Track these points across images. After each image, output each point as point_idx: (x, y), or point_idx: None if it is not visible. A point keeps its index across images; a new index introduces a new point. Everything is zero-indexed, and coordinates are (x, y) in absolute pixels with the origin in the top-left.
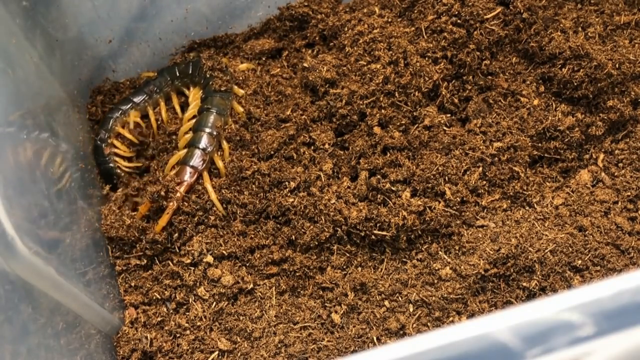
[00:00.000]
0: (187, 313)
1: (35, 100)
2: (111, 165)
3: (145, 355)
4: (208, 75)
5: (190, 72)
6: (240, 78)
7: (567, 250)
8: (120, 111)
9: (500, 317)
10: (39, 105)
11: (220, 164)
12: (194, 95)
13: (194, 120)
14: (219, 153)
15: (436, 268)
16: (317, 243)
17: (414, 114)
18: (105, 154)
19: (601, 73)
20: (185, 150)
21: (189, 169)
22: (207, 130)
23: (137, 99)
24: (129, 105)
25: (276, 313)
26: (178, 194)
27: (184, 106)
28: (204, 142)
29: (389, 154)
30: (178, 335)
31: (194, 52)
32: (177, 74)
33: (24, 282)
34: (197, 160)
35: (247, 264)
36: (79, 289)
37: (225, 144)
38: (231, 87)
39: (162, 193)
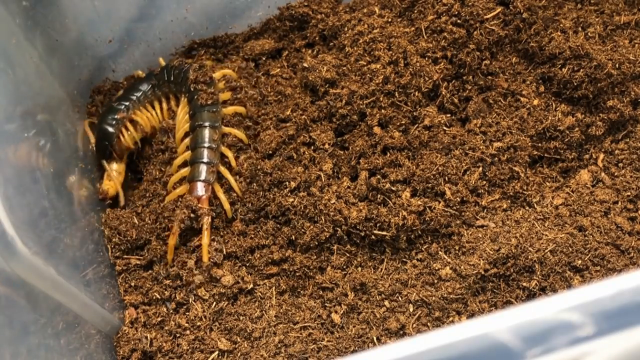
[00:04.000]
0: (187, 313)
1: (35, 100)
2: (112, 130)
3: (145, 355)
4: (192, 89)
5: (180, 80)
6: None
7: (567, 250)
8: (131, 100)
9: (500, 317)
10: (39, 105)
11: (229, 175)
12: (182, 108)
13: (188, 139)
14: (226, 165)
15: (436, 268)
16: (317, 243)
17: (414, 114)
18: (116, 116)
19: (601, 73)
20: (188, 169)
21: (200, 184)
22: (206, 144)
23: (134, 96)
24: (130, 102)
25: (276, 313)
26: (205, 210)
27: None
28: (206, 156)
29: (389, 154)
30: (178, 335)
31: (190, 58)
32: (166, 79)
33: (24, 282)
34: (205, 174)
35: (247, 264)
36: (79, 289)
37: (228, 152)
38: (217, 99)
39: (192, 215)
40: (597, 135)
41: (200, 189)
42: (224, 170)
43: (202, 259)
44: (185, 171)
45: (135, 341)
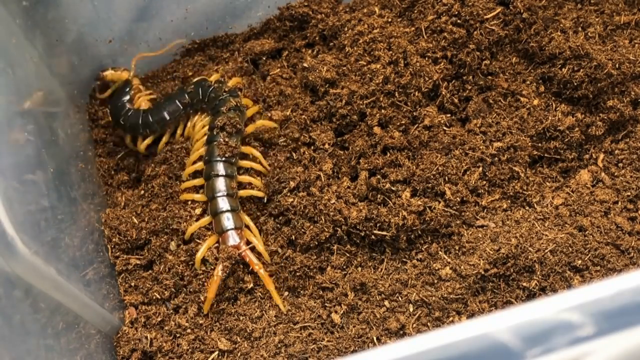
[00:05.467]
0: (187, 313)
1: (35, 100)
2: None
3: (145, 355)
4: (214, 133)
5: (213, 105)
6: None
7: (567, 250)
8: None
9: (500, 317)
10: (39, 105)
11: (247, 219)
12: (200, 130)
13: (198, 164)
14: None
15: (436, 268)
16: (317, 243)
17: (414, 114)
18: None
19: (601, 73)
20: (208, 219)
21: (232, 232)
22: (222, 193)
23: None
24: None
25: (276, 313)
26: (252, 260)
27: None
28: (228, 204)
29: (389, 154)
30: (178, 335)
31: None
32: (200, 97)
33: (24, 282)
34: (232, 221)
35: (247, 264)
36: (79, 289)
37: (247, 219)
38: (237, 152)
39: (229, 265)
40: (597, 135)
41: (235, 237)
42: (243, 216)
43: (280, 307)
44: (203, 221)
45: (135, 341)
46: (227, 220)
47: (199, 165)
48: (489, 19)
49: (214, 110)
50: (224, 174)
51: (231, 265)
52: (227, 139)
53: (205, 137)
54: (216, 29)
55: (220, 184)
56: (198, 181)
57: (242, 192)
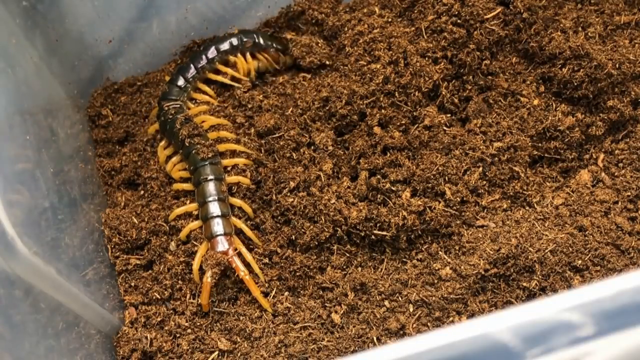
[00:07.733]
0: (187, 313)
1: (35, 100)
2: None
3: (145, 355)
4: (187, 144)
5: (167, 128)
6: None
7: (567, 250)
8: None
9: (500, 317)
10: (39, 105)
11: (243, 226)
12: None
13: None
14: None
15: (436, 268)
16: (317, 243)
17: (414, 114)
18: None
19: (601, 73)
20: (198, 223)
21: (221, 238)
22: (214, 198)
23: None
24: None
25: (276, 313)
26: (237, 266)
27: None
28: (218, 209)
29: (389, 154)
30: (178, 335)
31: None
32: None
33: (24, 282)
34: (222, 227)
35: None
36: (79, 289)
37: (241, 203)
38: (217, 150)
39: (218, 271)
40: (597, 135)
41: (224, 242)
42: (236, 221)
43: (267, 309)
44: (193, 225)
45: (135, 341)
46: (217, 226)
47: (186, 173)
48: (489, 19)
49: (170, 132)
50: (213, 177)
51: (220, 271)
52: (200, 141)
53: (182, 152)
54: (216, 29)
55: (211, 188)
56: (188, 186)
57: (230, 179)
